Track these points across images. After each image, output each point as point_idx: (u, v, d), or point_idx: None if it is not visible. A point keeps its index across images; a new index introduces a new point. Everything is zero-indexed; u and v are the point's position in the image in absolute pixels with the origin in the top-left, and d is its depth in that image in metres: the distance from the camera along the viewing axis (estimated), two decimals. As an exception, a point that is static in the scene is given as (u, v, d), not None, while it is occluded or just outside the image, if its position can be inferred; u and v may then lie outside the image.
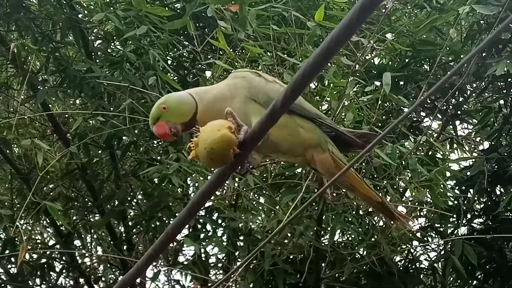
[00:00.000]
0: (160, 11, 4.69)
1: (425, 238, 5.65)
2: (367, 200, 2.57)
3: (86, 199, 6.20)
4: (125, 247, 6.13)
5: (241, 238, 5.52)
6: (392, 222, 2.68)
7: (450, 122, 5.73)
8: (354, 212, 5.05)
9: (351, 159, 2.75)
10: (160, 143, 5.60)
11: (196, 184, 5.22)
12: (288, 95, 1.77)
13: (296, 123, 2.40)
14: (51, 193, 6.13)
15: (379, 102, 4.64)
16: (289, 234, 5.27)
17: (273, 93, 2.34)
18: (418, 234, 5.56)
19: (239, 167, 2.17)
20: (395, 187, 4.96)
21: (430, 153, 5.57)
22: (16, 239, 5.44)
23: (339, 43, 1.56)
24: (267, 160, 3.83)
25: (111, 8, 5.04)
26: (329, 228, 5.11)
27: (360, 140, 2.53)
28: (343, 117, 4.79)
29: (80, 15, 5.32)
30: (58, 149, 5.99)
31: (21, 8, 5.18)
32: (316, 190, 4.61)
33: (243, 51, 4.61)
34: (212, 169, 2.22)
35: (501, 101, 5.45)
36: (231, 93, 2.35)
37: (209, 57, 5.19)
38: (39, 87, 5.27)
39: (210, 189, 2.20)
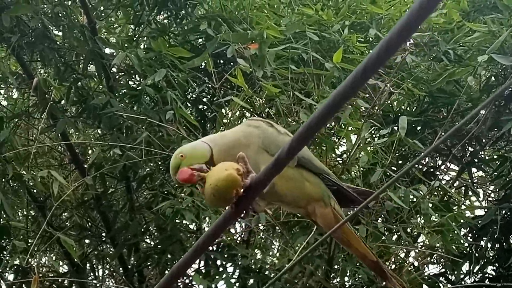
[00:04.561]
0: (180, 52, 4.77)
1: (437, 284, 5.60)
2: (362, 257, 2.63)
3: (100, 229, 6.22)
4: (136, 279, 6.12)
5: (251, 275, 5.50)
6: (384, 283, 2.71)
7: (466, 169, 5.71)
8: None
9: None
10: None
11: (209, 220, 5.22)
12: (294, 145, 1.82)
13: (303, 177, 2.46)
14: (66, 222, 6.17)
15: (395, 145, 4.66)
16: (299, 274, 5.26)
17: (283, 145, 2.39)
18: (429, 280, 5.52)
19: (244, 212, 2.21)
20: (408, 231, 4.94)
21: (444, 199, 5.56)
22: (28, 267, 5.44)
23: (344, 98, 1.60)
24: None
25: (134, 43, 5.12)
26: (339, 269, 5.09)
27: (361, 197, 2.58)
28: (357, 158, 4.81)
29: (104, 49, 5.40)
30: (75, 178, 6.03)
31: (45, 38, 5.26)
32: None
33: (261, 89, 4.66)
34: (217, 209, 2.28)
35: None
36: (246, 140, 2.40)
37: (228, 92, 5.24)
38: (59, 116, 5.33)
39: (216, 231, 2.26)
